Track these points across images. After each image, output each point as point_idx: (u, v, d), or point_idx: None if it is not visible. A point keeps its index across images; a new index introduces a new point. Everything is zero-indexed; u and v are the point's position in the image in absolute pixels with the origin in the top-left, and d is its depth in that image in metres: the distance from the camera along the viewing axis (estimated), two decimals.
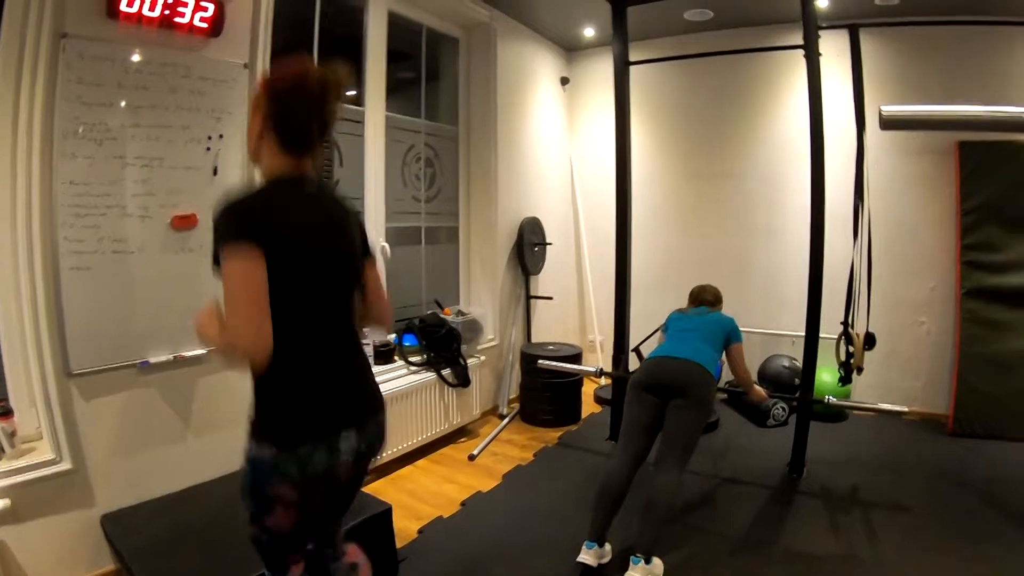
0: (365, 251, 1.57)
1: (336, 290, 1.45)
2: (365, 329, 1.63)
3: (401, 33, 3.73)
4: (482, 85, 4.27)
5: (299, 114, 1.36)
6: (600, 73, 4.99)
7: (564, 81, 5.23)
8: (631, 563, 2.24)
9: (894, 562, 2.52)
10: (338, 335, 1.47)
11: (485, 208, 4.32)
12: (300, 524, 1.47)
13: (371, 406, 1.55)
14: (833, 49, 3.55)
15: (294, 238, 1.33)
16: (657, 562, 2.29)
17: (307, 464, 1.37)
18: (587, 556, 2.33)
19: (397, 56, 3.76)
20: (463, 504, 2.94)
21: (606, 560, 2.40)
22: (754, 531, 2.78)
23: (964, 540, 2.68)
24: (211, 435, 2.53)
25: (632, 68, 3.78)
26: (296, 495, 1.40)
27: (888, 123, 1.09)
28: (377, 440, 1.56)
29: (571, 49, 5.29)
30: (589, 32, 4.86)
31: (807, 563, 2.50)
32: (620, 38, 3.69)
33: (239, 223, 1.27)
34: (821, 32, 3.23)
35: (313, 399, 1.40)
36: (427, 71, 4.03)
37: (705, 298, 3.08)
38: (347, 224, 1.50)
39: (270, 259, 1.27)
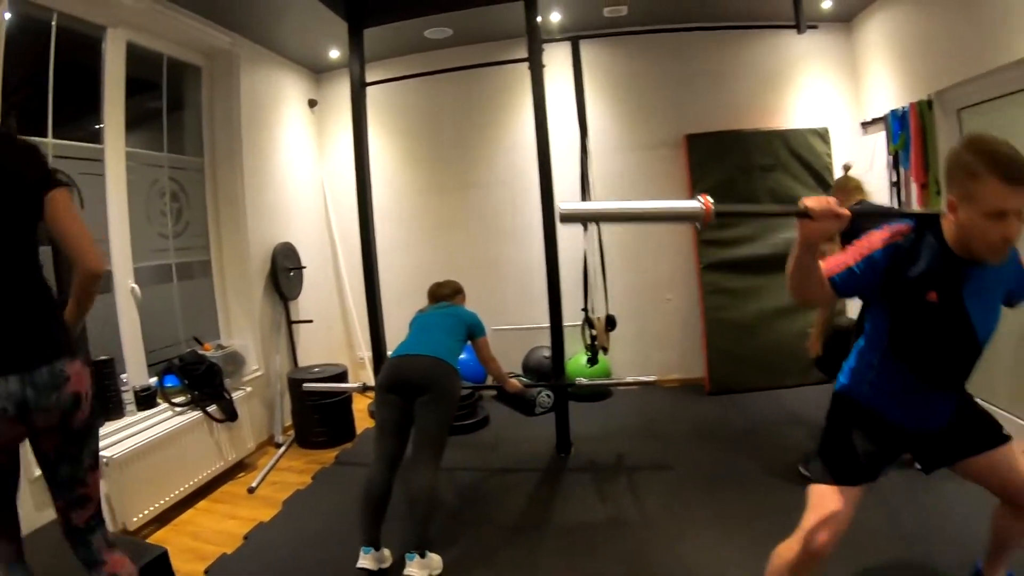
0: (39, 188, 1.64)
1: None
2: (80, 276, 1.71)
3: (144, 62, 3.80)
4: (226, 113, 4.45)
5: None
6: (348, 93, 5.38)
7: (312, 103, 5.58)
8: (407, 560, 2.48)
9: (658, 518, 2.93)
10: None
11: (235, 238, 4.51)
12: None
13: (39, 352, 1.57)
14: (567, 60, 4.14)
15: None
16: (433, 556, 2.56)
17: None
18: (365, 561, 2.55)
19: (143, 86, 3.82)
20: (246, 538, 3.09)
21: (387, 565, 2.62)
22: (527, 515, 3.14)
23: (724, 488, 3.14)
24: None
25: (379, 87, 4.15)
26: None
27: (565, 217, 1.59)
28: (53, 389, 1.57)
29: (319, 71, 5.64)
30: (334, 54, 5.22)
31: (579, 534, 2.87)
32: (357, 59, 4.04)
33: None
34: (549, 45, 3.77)
35: None
36: (170, 102, 4.12)
37: (443, 293, 3.38)
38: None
39: None
